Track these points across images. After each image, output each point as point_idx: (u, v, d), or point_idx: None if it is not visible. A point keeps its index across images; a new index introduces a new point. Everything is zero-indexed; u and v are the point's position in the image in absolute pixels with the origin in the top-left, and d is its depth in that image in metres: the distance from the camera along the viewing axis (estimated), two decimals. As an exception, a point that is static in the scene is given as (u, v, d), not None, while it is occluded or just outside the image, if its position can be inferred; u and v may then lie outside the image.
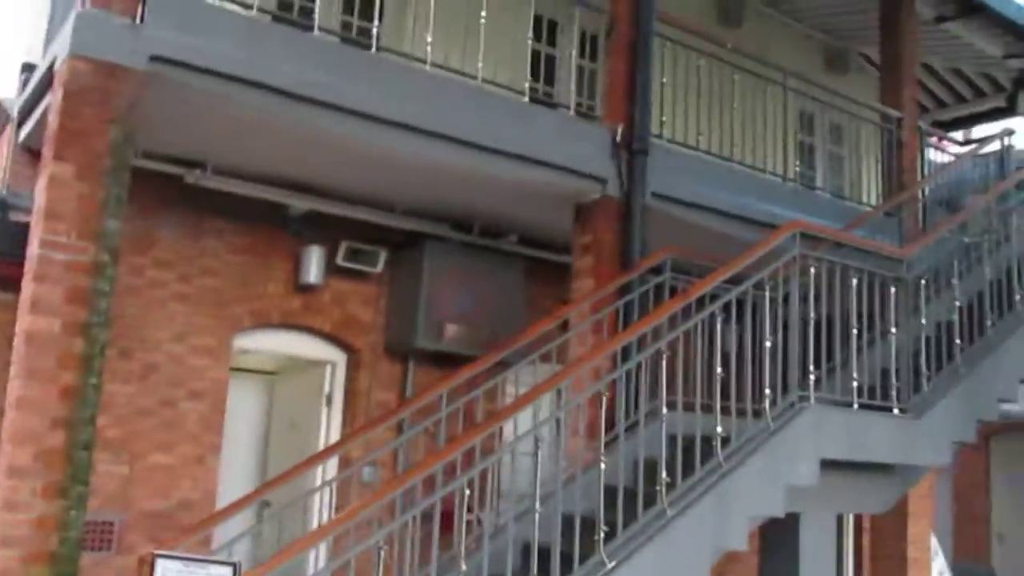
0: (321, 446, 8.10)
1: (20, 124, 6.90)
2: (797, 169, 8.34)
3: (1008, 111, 11.44)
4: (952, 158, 10.45)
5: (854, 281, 6.19)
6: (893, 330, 6.34)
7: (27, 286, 5.10)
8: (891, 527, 8.86)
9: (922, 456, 6.42)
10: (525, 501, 5.41)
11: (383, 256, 8.04)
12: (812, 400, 5.82)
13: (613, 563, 4.83)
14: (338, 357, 8.25)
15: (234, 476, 8.09)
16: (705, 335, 5.48)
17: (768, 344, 5.66)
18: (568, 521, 4.82)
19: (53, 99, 5.39)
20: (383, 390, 8.17)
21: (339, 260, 7.87)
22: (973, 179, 9.10)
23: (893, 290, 6.39)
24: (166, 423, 7.23)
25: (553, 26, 8.66)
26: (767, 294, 5.69)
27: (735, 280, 5.69)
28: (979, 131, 12.68)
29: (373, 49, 6.23)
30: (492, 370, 6.51)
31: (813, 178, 9.22)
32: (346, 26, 6.95)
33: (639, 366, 5.46)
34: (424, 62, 6.37)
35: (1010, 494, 13.86)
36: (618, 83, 7.24)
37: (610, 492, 4.99)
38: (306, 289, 7.85)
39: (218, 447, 7.44)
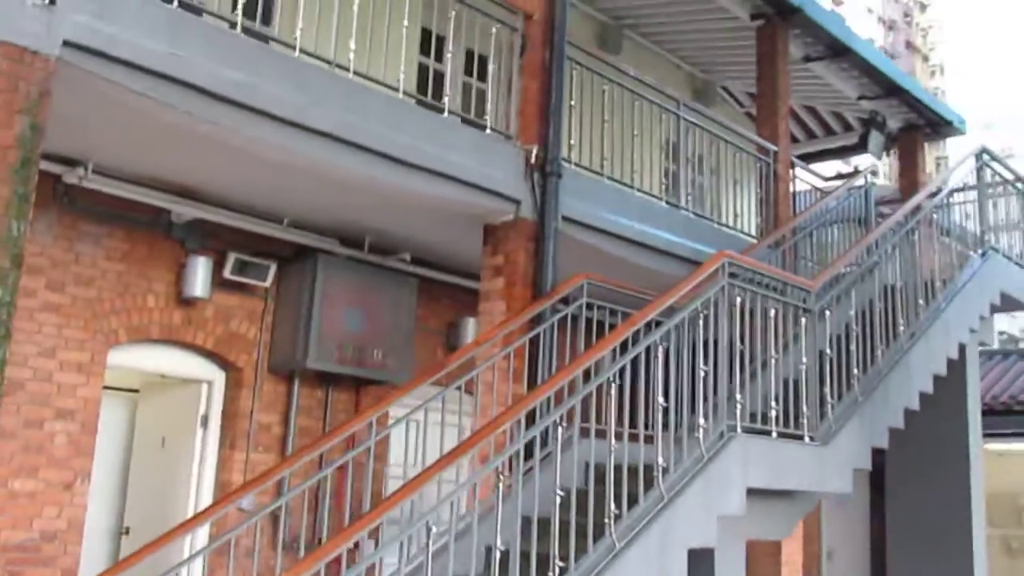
0: (195, 469, 7.57)
1: None
2: (690, 196, 8.46)
3: (857, 148, 12.06)
4: (809, 191, 10.95)
5: (772, 312, 6.31)
6: (804, 360, 6.48)
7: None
8: (763, 549, 9.10)
9: (830, 483, 6.58)
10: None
11: (272, 270, 7.59)
12: (739, 429, 5.87)
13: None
14: (216, 375, 7.72)
15: (94, 503, 7.43)
16: (640, 365, 5.42)
17: (702, 373, 5.67)
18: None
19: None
20: (265, 411, 7.70)
21: (227, 273, 7.36)
22: (837, 211, 9.49)
23: (804, 320, 6.55)
24: (31, 446, 6.54)
25: (441, 41, 8.45)
26: (701, 323, 5.71)
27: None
28: (831, 167, 13.28)
29: (296, 52, 5.84)
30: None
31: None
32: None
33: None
34: (347, 69, 6.04)
35: (838, 513, 14.59)
36: (531, 104, 7.12)
37: (541, 524, 4.85)
38: (189, 302, 7.30)
39: (88, 472, 6.78)
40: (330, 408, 8.03)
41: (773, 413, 6.21)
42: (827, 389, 6.68)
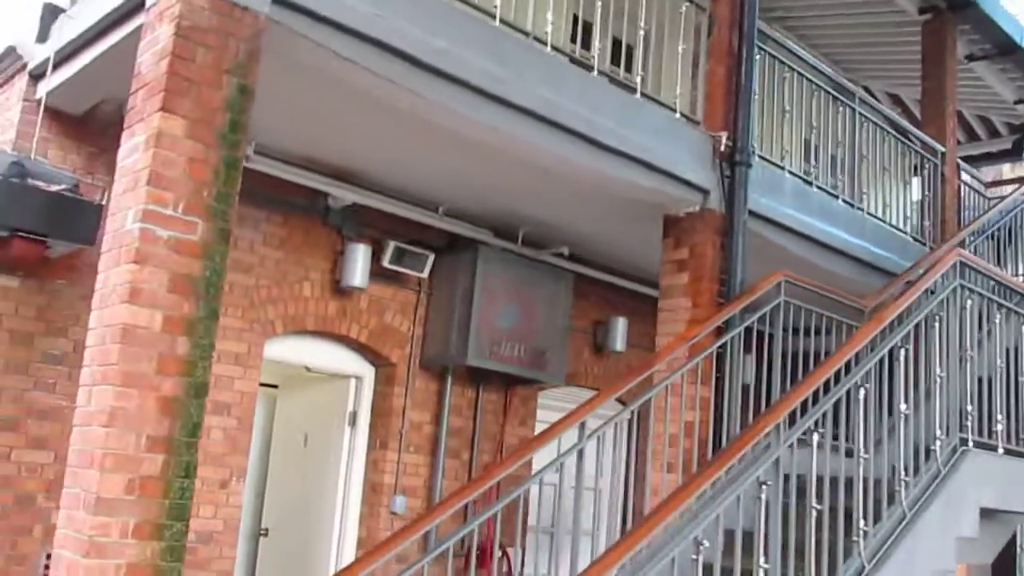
0: (342, 469, 7.16)
1: (40, 76, 5.76)
2: (865, 195, 7.90)
3: (1005, 156, 11.42)
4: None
5: (997, 318, 5.77)
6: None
7: (121, 271, 4.06)
8: None
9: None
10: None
11: (430, 260, 7.17)
12: (971, 444, 5.33)
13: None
14: (366, 370, 7.31)
15: (238, 503, 7.06)
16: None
17: (938, 379, 5.14)
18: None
19: (157, 40, 4.34)
20: (417, 410, 7.27)
21: (385, 261, 6.95)
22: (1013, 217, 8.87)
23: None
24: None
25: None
26: (937, 326, 5.19)
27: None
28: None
29: (496, 21, 5.40)
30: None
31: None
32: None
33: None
34: (544, 43, 5.60)
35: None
36: (718, 88, 6.63)
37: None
38: (344, 293, 6.90)
39: (244, 469, 6.40)
40: (480, 408, 7.58)
41: (1000, 427, 5.66)
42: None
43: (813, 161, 7.39)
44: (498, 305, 7.23)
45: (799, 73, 7.32)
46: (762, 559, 3.96)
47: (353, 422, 7.24)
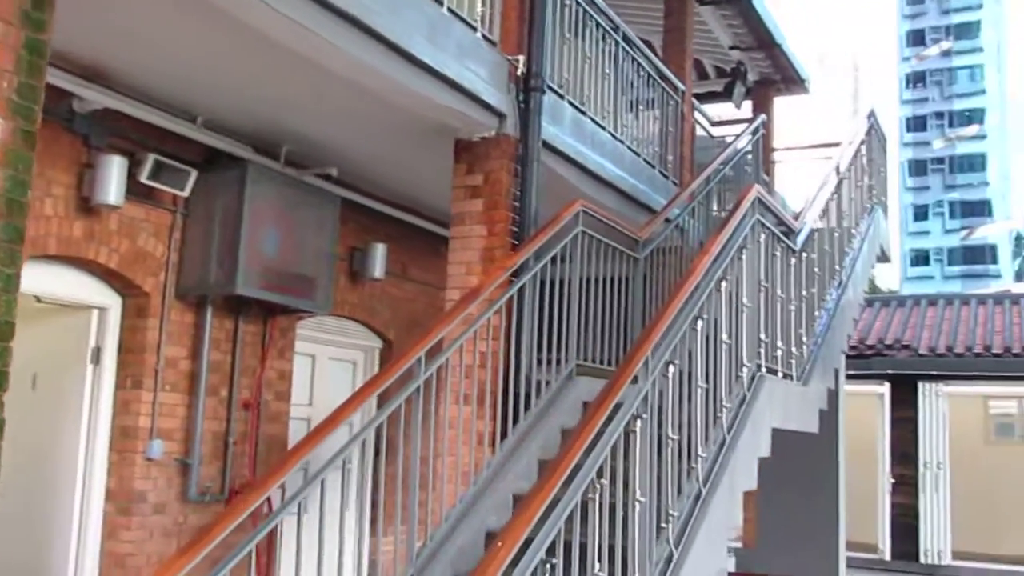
0: (85, 414, 6.33)
1: None
2: (625, 128, 8.04)
3: (717, 97, 12.13)
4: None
5: (777, 252, 6.09)
6: (792, 301, 6.32)
7: None
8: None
9: (810, 423, 6.50)
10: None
11: (192, 177, 6.42)
12: (764, 370, 5.61)
13: (679, 551, 4.22)
14: (112, 301, 6.45)
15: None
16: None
17: (745, 310, 5.34)
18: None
19: None
20: (173, 344, 6.55)
21: (142, 177, 6.13)
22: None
23: (793, 261, 6.39)
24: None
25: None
26: (744, 263, 5.36)
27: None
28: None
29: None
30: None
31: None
32: None
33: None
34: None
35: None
36: (512, 10, 6.41)
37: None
38: (93, 211, 6.02)
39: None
40: (240, 340, 6.97)
41: (780, 352, 6.01)
42: (802, 330, 6.59)
43: (586, 92, 7.38)
44: (267, 229, 6.63)
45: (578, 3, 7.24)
46: (638, 492, 3.90)
47: (97, 359, 6.38)
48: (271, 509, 4.14)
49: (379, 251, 8.11)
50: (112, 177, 5.91)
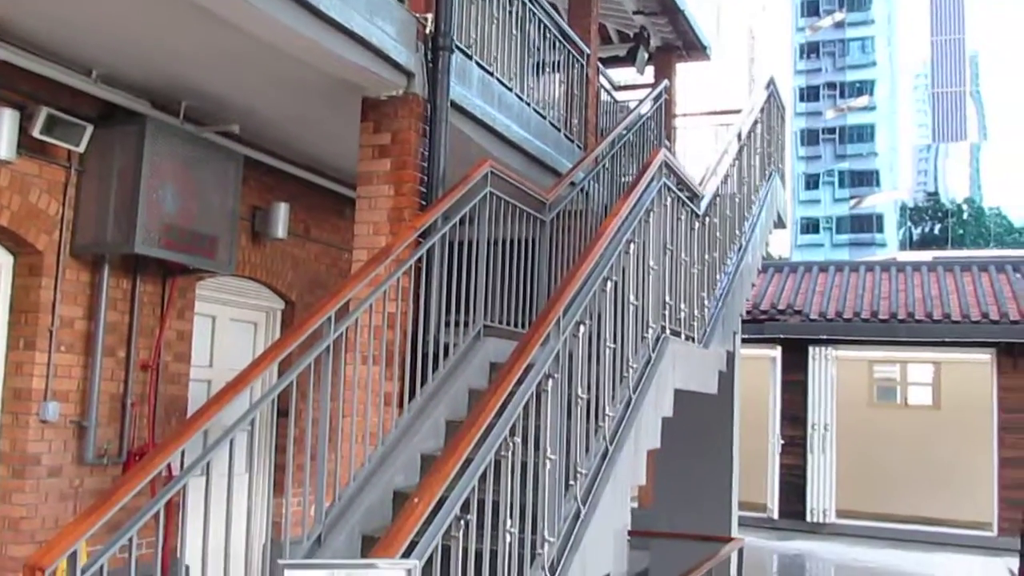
0: (-25, 376, 6.10)
1: None
2: (532, 89, 8.05)
3: (624, 61, 12.17)
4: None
5: (682, 216, 6.19)
6: (696, 264, 6.45)
7: None
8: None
9: (710, 384, 6.66)
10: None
11: (88, 132, 6.19)
12: (668, 331, 5.72)
13: (586, 508, 4.30)
14: (2, 260, 6.22)
15: None
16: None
17: (652, 272, 5.43)
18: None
19: None
20: (67, 304, 6.34)
21: (35, 131, 5.89)
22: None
23: (697, 225, 6.51)
24: None
25: None
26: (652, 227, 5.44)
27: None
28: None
29: None
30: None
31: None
32: None
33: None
34: None
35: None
36: (421, -34, 6.33)
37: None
38: (-18, 166, 5.78)
39: None
40: (138, 300, 6.79)
41: (683, 314, 6.14)
42: (704, 293, 6.73)
43: (493, 53, 7.35)
44: (166, 187, 6.45)
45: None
46: (548, 451, 3.96)
47: (-13, 319, 6.16)
48: (171, 475, 4.07)
49: (282, 210, 7.97)
50: (3, 130, 5.68)
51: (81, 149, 6.22)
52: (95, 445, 6.40)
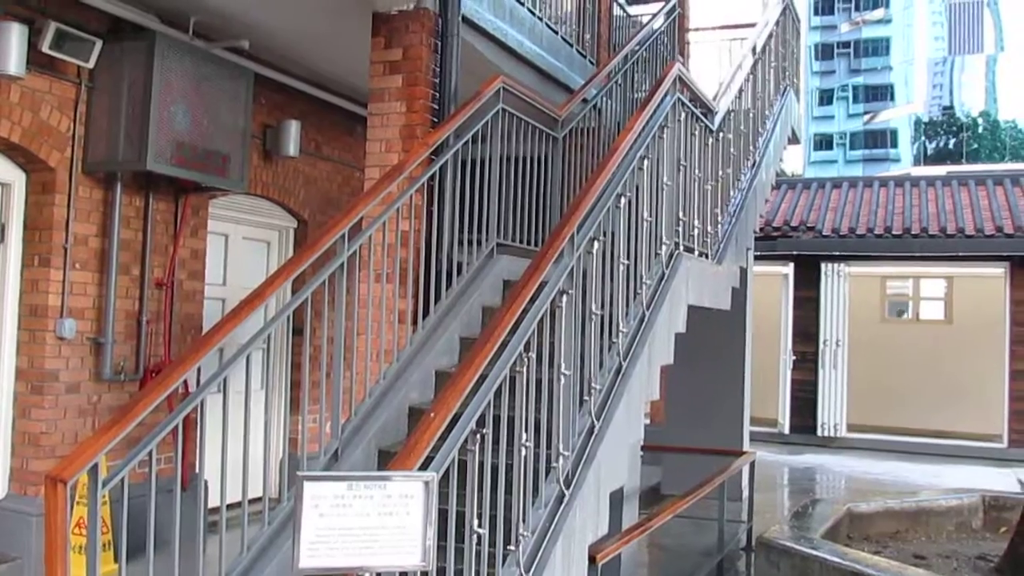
0: (-9, 295, 6.15)
1: None
2: (545, 3, 7.92)
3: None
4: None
5: (696, 132, 6.12)
6: (709, 181, 6.40)
7: None
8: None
9: (723, 301, 6.66)
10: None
11: (98, 47, 6.13)
12: (681, 248, 5.70)
13: (600, 423, 4.35)
14: (16, 176, 6.22)
15: None
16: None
17: (665, 188, 5.39)
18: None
19: None
20: (81, 221, 6.35)
21: (44, 46, 5.84)
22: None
23: (711, 140, 6.45)
24: None
25: None
26: (665, 143, 5.39)
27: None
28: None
29: None
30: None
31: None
32: None
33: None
34: None
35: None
36: None
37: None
38: (-9, 81, 5.74)
39: None
40: (151, 218, 6.80)
41: (696, 231, 6.11)
42: (718, 209, 6.69)
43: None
44: (177, 103, 6.41)
45: None
46: (563, 366, 3.98)
47: (1, 236, 6.18)
48: (187, 391, 4.12)
49: (293, 128, 7.93)
50: (12, 45, 5.63)
51: (91, 65, 6.18)
52: (112, 362, 6.48)
